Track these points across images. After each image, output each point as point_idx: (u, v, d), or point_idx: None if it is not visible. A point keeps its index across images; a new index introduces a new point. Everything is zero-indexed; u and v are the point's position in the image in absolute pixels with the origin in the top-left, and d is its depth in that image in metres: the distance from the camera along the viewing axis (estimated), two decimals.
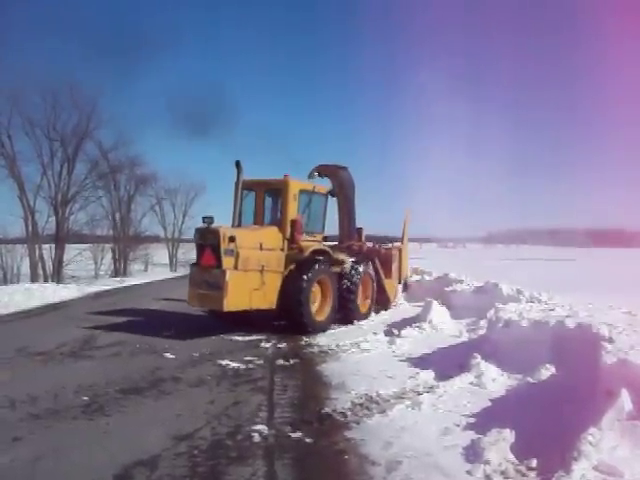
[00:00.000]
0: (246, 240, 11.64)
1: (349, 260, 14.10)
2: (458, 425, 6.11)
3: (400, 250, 17.28)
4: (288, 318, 12.38)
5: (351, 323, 13.51)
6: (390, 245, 17.14)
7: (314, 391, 7.73)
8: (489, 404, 6.81)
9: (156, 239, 49.45)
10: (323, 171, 15.46)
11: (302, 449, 5.51)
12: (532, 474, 4.84)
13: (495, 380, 7.71)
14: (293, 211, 12.89)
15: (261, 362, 9.39)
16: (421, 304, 14.19)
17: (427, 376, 8.15)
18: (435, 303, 12.88)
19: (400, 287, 17.41)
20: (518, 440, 5.32)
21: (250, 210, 13.60)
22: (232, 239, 11.17)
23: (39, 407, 6.70)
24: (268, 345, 10.86)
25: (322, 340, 11.40)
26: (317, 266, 12.47)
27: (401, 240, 17.66)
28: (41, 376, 8.30)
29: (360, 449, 5.49)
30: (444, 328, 12.02)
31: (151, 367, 8.89)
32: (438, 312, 12.63)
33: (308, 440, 5.71)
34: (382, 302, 15.75)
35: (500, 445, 5.22)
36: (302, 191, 13.35)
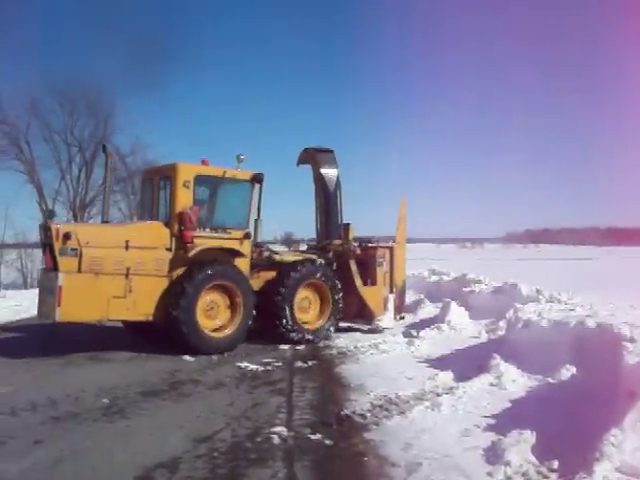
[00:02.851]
0: (97, 237, 9.84)
1: (295, 260, 12.04)
2: (478, 426, 6.07)
3: (392, 250, 13.76)
4: (170, 334, 10.28)
5: (293, 342, 11.22)
6: (376, 244, 13.64)
7: (333, 393, 7.73)
8: (509, 405, 6.77)
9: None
10: (304, 157, 13.91)
11: (322, 451, 5.50)
12: (553, 476, 4.79)
13: (515, 381, 7.66)
14: (184, 202, 10.57)
15: (279, 364, 9.41)
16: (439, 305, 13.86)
17: (446, 377, 8.10)
18: (454, 304, 12.82)
19: (392, 297, 13.47)
20: (539, 441, 5.28)
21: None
22: (67, 236, 9.31)
23: (60, 410, 6.76)
24: (286, 347, 10.88)
25: (340, 342, 11.39)
26: (210, 269, 10.33)
27: (395, 238, 14.05)
28: (61, 379, 8.38)
29: (380, 451, 5.47)
30: (463, 329, 11.96)
31: (170, 370, 8.94)
32: (457, 313, 12.57)
33: (328, 442, 5.70)
34: (363, 316, 13.00)
35: (521, 446, 5.18)
36: (201, 177, 11.03)
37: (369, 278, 13.12)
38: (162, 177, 11.39)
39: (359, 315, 13.03)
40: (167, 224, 10.62)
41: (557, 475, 4.79)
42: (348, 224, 13.36)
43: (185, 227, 10.38)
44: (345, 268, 12.72)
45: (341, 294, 12.23)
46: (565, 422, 5.69)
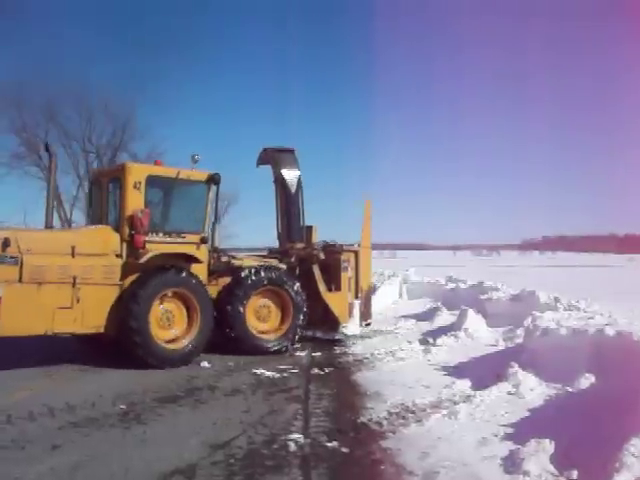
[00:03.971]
0: (40, 244, 9.14)
1: (253, 266, 11.30)
2: (496, 435, 6.02)
3: (357, 254, 13.14)
4: (122, 347, 9.66)
5: (246, 353, 10.54)
6: (340, 247, 12.95)
7: (349, 400, 7.70)
8: (527, 414, 6.71)
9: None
10: (263, 157, 13.42)
11: (338, 459, 5.48)
12: None
13: (533, 389, 7.59)
14: (135, 204, 9.91)
15: (296, 371, 9.40)
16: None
17: (463, 385, 8.06)
18: (471, 311, 12.74)
19: (357, 303, 12.89)
20: (558, 451, 5.22)
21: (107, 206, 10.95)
22: (6, 243, 8.60)
23: (77, 415, 6.79)
24: (303, 354, 10.87)
25: (357, 349, 11.35)
26: (163, 276, 9.75)
27: (360, 242, 13.36)
28: (78, 385, 8.44)
29: (397, 459, 5.44)
30: (480, 337, 11.88)
31: (186, 376, 8.96)
32: (474, 320, 12.49)
33: (344, 450, 5.68)
34: (328, 324, 12.52)
35: (539, 456, 5.13)
36: (154, 178, 10.33)
37: (333, 283, 12.56)
38: (111, 179, 10.82)
39: (323, 322, 12.52)
40: (117, 228, 10.00)
41: None
42: (311, 227, 13.03)
43: (136, 231, 9.75)
44: (308, 273, 12.24)
45: (304, 301, 11.62)
46: (584, 431, 5.62)
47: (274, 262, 11.90)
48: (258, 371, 9.24)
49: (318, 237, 13.13)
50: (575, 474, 4.85)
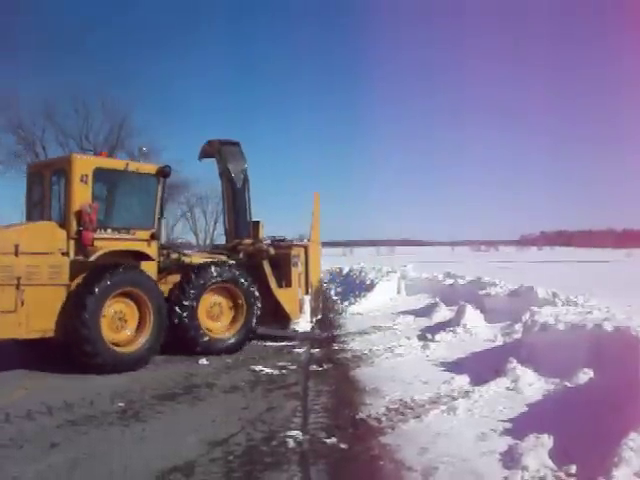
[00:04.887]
0: None
1: (204, 262, 11.08)
2: (495, 430, 6.02)
3: (306, 249, 12.94)
4: (72, 352, 9.03)
5: (199, 354, 10.19)
6: (290, 243, 12.92)
7: (348, 396, 7.69)
8: (526, 409, 6.71)
9: (188, 246, 49.89)
10: (207, 150, 12.99)
11: (337, 455, 5.48)
12: None
13: (532, 385, 7.59)
14: (83, 198, 9.31)
15: (294, 367, 9.40)
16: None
17: (462, 381, 8.06)
18: (469, 307, 12.73)
19: (308, 299, 12.73)
20: (556, 446, 5.23)
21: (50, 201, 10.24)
22: None
23: (75, 413, 6.79)
24: (301, 350, 10.87)
25: (355, 345, 11.34)
26: (115, 276, 9.18)
27: (309, 237, 13.23)
28: (76, 383, 8.42)
29: (395, 455, 5.44)
30: (478, 332, 11.86)
31: (185, 373, 8.97)
32: (472, 316, 12.48)
33: (343, 446, 5.68)
34: (278, 320, 12.34)
35: (538, 451, 5.13)
36: (101, 171, 9.76)
37: (284, 279, 12.28)
38: (55, 171, 10.13)
39: (274, 319, 12.24)
40: (62, 225, 9.32)
41: None
42: (258, 222, 12.73)
43: (84, 228, 9.14)
44: (258, 269, 11.84)
45: (257, 298, 11.28)
46: (583, 426, 5.62)
47: (223, 258, 11.59)
48: (257, 368, 9.24)
49: (265, 232, 12.89)
50: (574, 469, 4.85)
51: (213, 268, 10.76)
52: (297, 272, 12.49)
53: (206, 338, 10.49)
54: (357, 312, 16.45)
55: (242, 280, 11.09)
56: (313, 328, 12.77)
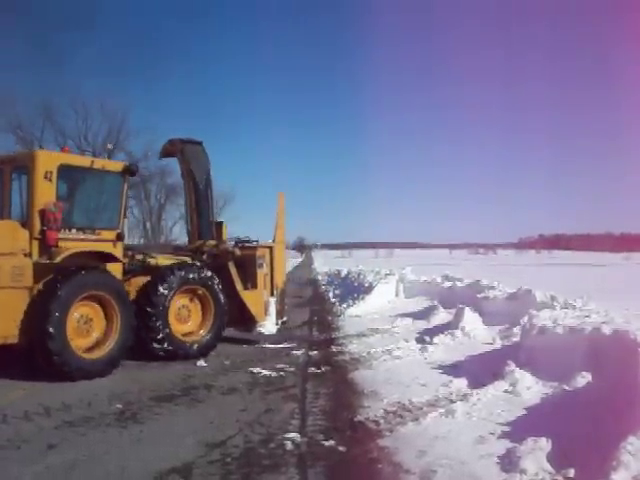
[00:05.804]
0: None
1: (171, 263, 10.87)
2: (493, 433, 6.02)
3: (271, 249, 12.81)
4: (37, 358, 8.60)
5: (169, 358, 9.99)
6: (255, 244, 12.62)
7: (346, 399, 7.68)
8: (524, 412, 6.71)
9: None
10: (168, 149, 12.73)
11: (335, 457, 5.47)
12: None
13: (530, 388, 7.58)
14: (46, 197, 8.88)
15: (293, 370, 9.39)
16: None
17: (460, 384, 8.06)
18: (467, 310, 12.72)
19: (272, 300, 12.59)
20: (555, 449, 5.22)
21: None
22: None
23: (73, 414, 6.78)
24: (299, 353, 10.85)
25: (353, 347, 11.33)
26: (81, 278, 8.80)
27: (273, 237, 13.06)
28: (74, 384, 8.40)
29: (394, 457, 5.43)
30: (477, 335, 11.86)
31: (183, 375, 8.96)
32: (470, 319, 12.47)
33: (341, 448, 5.67)
34: (244, 322, 12.14)
35: (536, 454, 5.12)
36: (66, 168, 9.34)
37: (249, 281, 12.10)
38: (16, 167, 9.59)
39: (239, 321, 12.04)
40: (25, 224, 8.84)
41: None
42: (221, 223, 12.64)
43: (48, 227, 8.70)
44: (222, 271, 11.59)
45: (224, 300, 11.09)
46: (581, 430, 5.62)
47: (188, 260, 11.40)
48: (255, 370, 9.23)
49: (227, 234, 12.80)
50: (572, 472, 4.85)
51: (184, 270, 10.60)
52: (262, 273, 12.36)
53: (177, 341, 10.24)
54: (355, 314, 16.49)
55: (211, 282, 10.94)
56: (279, 330, 12.67)
